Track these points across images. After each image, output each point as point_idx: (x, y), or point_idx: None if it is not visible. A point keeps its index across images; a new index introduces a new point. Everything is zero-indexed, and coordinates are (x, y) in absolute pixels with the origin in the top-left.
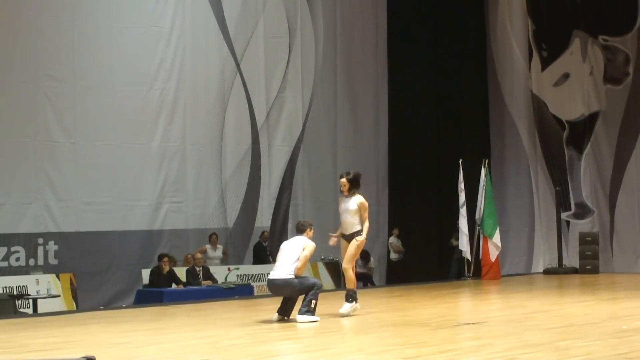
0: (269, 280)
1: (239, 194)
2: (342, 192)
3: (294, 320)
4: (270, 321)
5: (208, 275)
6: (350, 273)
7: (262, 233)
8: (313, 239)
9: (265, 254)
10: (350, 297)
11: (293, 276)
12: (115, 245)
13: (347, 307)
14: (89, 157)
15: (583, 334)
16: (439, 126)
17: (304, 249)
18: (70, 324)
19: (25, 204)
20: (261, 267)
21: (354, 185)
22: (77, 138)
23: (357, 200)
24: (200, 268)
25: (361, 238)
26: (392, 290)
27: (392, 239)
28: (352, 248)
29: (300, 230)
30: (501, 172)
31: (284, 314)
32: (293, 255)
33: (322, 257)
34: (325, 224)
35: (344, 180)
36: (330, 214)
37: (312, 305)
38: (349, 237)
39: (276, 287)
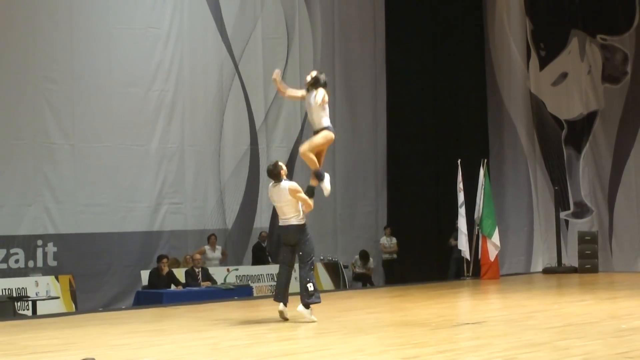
0: (279, 227)
1: (238, 195)
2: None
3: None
4: (270, 321)
5: (207, 276)
6: (310, 155)
7: (260, 233)
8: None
9: (265, 254)
10: (322, 176)
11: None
12: (114, 246)
13: (327, 181)
14: (87, 158)
15: (582, 333)
16: (437, 126)
17: (296, 193)
18: (70, 326)
19: (24, 206)
20: (260, 267)
21: (317, 81)
22: (76, 140)
23: (321, 94)
24: (200, 269)
25: (329, 132)
26: (391, 290)
27: (383, 239)
28: (320, 137)
29: (275, 176)
30: (500, 172)
31: (283, 299)
32: (289, 205)
33: (322, 257)
34: (325, 224)
35: (308, 78)
36: (330, 214)
37: (312, 289)
38: (316, 133)
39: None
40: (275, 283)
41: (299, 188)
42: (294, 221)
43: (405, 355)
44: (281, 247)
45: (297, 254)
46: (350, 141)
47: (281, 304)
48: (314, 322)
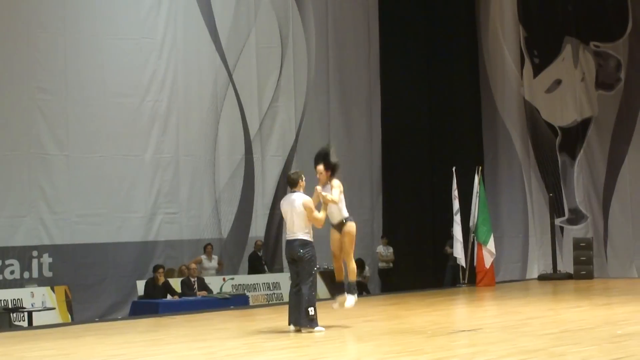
0: (286, 241)
1: (233, 204)
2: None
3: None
4: (266, 331)
5: (203, 286)
6: (353, 265)
7: (256, 242)
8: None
9: (261, 263)
10: (354, 288)
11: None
12: (109, 257)
13: (352, 299)
14: (82, 169)
15: (578, 339)
16: (432, 134)
17: (311, 212)
18: (66, 337)
19: (19, 217)
20: (256, 276)
21: (333, 171)
22: (71, 150)
23: (336, 193)
24: (195, 279)
25: (352, 224)
26: (388, 298)
27: (380, 248)
28: (347, 239)
29: (292, 183)
30: (495, 179)
31: (297, 323)
32: (300, 219)
33: (317, 266)
34: (320, 232)
35: (321, 168)
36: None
37: (312, 314)
38: (339, 226)
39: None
40: (272, 292)
41: (313, 207)
42: (300, 235)
43: None
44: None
45: (298, 271)
46: (345, 149)
47: (291, 326)
48: (321, 331)
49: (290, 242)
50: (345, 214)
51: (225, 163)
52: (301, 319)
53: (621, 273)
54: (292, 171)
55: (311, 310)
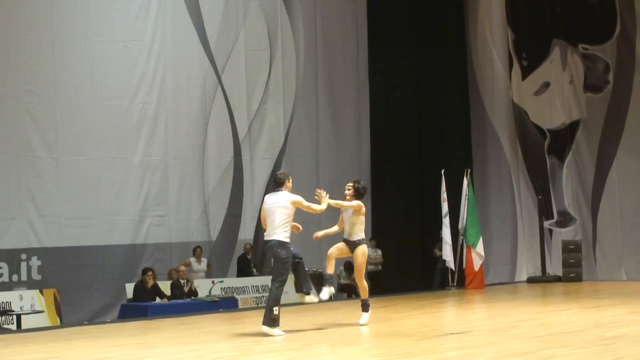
0: (264, 242)
1: (222, 207)
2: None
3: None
4: (255, 334)
5: (191, 289)
6: (364, 283)
7: (245, 245)
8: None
9: (249, 266)
10: (368, 306)
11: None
12: (98, 259)
13: (366, 316)
14: (71, 172)
15: (567, 342)
16: (420, 136)
17: (301, 202)
18: (55, 340)
19: (7, 220)
20: (245, 279)
21: (359, 195)
22: (59, 153)
23: (354, 203)
24: (185, 280)
25: (365, 246)
26: (376, 300)
27: (368, 251)
28: (361, 260)
29: (279, 182)
30: (483, 182)
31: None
32: (281, 216)
33: (307, 268)
34: (309, 235)
35: (351, 185)
36: (312, 226)
37: (276, 313)
38: (352, 244)
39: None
40: (261, 295)
41: (302, 199)
42: (276, 236)
43: None
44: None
45: (273, 269)
46: (334, 152)
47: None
48: (281, 335)
49: (267, 242)
50: (362, 235)
51: (214, 165)
52: (264, 317)
53: (610, 275)
54: (280, 171)
55: (275, 310)
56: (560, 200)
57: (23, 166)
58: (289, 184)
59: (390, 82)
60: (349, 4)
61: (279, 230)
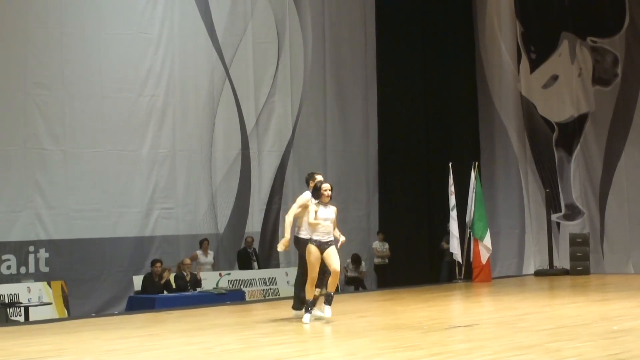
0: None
1: (229, 200)
2: (322, 198)
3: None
4: (262, 327)
5: (195, 282)
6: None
7: (246, 239)
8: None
9: (250, 260)
10: (332, 299)
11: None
12: (106, 252)
13: (329, 310)
14: (79, 164)
15: (574, 335)
16: (428, 129)
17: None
18: (62, 332)
19: (15, 212)
20: (253, 272)
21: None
22: (67, 145)
23: (334, 209)
24: (188, 273)
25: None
26: (383, 293)
27: (376, 244)
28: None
29: (306, 182)
30: (491, 175)
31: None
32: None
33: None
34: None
35: (328, 186)
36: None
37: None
38: (326, 245)
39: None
40: (269, 287)
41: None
42: (297, 232)
43: (397, 359)
44: None
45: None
46: (342, 145)
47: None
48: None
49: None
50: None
51: (221, 158)
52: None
53: (618, 269)
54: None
55: (301, 294)
56: (568, 193)
57: (31, 159)
58: (312, 183)
59: (398, 75)
60: None
61: (300, 227)
